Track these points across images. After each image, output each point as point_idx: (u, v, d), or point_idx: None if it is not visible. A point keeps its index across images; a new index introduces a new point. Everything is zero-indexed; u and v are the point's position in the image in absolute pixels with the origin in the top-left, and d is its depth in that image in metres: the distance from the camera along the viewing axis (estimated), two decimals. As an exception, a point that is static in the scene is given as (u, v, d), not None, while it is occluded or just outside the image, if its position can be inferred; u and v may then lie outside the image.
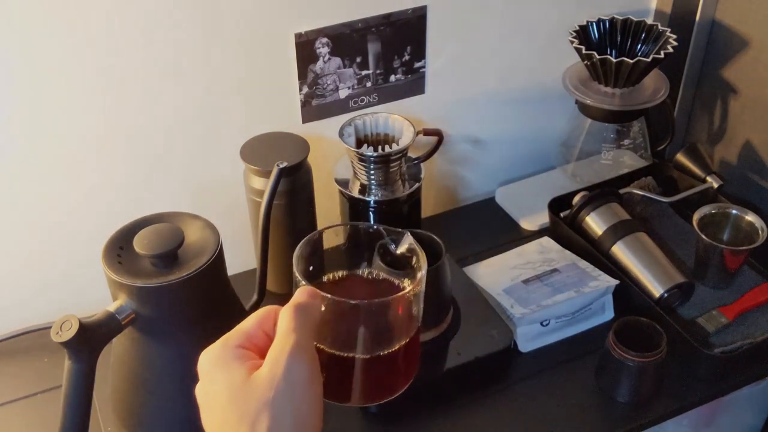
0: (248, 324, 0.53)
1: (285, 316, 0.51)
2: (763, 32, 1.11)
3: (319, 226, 0.97)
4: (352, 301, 0.55)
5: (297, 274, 0.58)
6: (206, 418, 0.51)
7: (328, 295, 0.54)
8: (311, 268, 0.63)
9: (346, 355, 0.56)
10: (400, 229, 0.64)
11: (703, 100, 1.26)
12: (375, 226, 0.65)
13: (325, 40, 1.01)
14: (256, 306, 0.90)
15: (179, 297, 0.76)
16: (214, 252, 0.77)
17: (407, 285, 0.62)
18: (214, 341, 0.53)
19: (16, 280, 1.01)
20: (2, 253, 0.99)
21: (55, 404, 0.75)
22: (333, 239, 0.64)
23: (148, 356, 0.79)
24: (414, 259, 0.62)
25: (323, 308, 0.55)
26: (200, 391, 0.52)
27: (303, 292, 0.54)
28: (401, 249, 0.63)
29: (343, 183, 1.02)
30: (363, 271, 0.66)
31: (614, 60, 1.07)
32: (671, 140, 1.22)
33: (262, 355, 0.51)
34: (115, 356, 0.82)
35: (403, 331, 0.59)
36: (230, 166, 1.00)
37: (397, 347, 0.58)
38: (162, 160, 1.01)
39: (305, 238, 0.62)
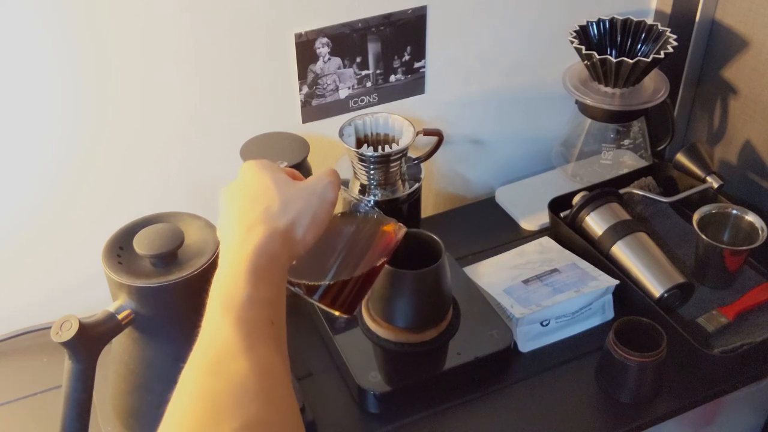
0: (286, 169, 0.70)
1: (325, 168, 0.69)
2: (763, 32, 1.11)
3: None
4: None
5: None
6: (240, 207, 0.64)
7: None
8: None
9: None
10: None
11: (703, 100, 1.26)
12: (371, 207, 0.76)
13: (325, 40, 1.01)
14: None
15: (179, 297, 0.76)
16: (214, 252, 0.77)
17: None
18: None
19: (16, 280, 1.01)
20: (2, 253, 0.99)
21: (55, 404, 0.75)
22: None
23: (148, 356, 0.79)
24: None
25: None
26: (238, 187, 0.66)
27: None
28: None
29: (343, 183, 1.02)
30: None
31: (614, 60, 1.07)
32: (671, 140, 1.22)
33: None
34: (115, 356, 0.82)
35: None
36: (230, 166, 1.00)
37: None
38: (162, 160, 1.01)
39: None
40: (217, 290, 0.58)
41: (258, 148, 0.96)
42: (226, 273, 0.59)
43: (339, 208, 0.71)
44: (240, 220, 0.63)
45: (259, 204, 0.64)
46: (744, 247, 1.01)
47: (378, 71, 1.08)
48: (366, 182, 1.00)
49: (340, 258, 0.72)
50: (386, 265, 0.86)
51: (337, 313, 0.72)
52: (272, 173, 0.66)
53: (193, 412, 0.49)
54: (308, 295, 0.71)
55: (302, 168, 0.96)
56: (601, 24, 1.15)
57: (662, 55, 1.07)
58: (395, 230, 0.75)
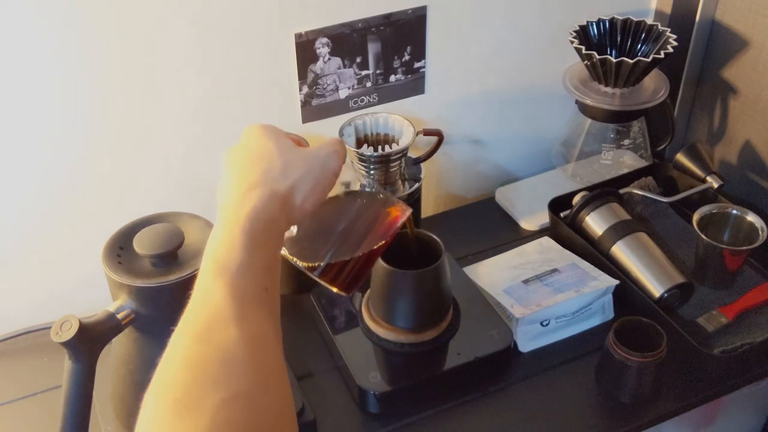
0: (291, 135, 0.68)
1: (331, 137, 0.69)
2: (763, 32, 1.11)
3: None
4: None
5: None
6: (240, 168, 0.62)
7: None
8: None
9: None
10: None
11: (703, 100, 1.26)
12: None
13: (325, 40, 1.01)
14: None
15: (179, 297, 0.75)
16: (214, 252, 0.77)
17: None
18: None
19: (16, 280, 1.01)
20: (2, 253, 0.99)
21: (55, 404, 0.75)
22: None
23: (148, 356, 0.79)
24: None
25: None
26: (239, 148, 0.64)
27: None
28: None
29: (345, 184, 1.02)
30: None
31: (614, 60, 1.07)
32: (671, 140, 1.22)
33: None
34: (115, 356, 0.82)
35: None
36: (230, 166, 1.00)
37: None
38: (162, 160, 1.01)
39: None
40: (211, 253, 0.56)
41: (258, 148, 0.96)
42: (221, 235, 0.57)
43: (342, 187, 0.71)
44: (238, 181, 0.61)
45: (259, 166, 0.62)
46: (744, 247, 1.01)
47: (378, 71, 1.08)
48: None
49: (342, 237, 0.71)
50: (387, 266, 0.86)
51: (335, 290, 0.71)
52: (276, 137, 0.65)
53: (181, 380, 0.47)
54: (308, 270, 0.70)
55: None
56: (601, 24, 1.15)
57: (662, 55, 1.07)
58: (401, 211, 0.74)
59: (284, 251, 0.70)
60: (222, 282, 0.53)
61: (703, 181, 1.13)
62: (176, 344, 0.50)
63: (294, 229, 0.71)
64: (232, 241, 0.55)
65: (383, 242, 0.72)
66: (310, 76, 1.04)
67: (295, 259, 0.69)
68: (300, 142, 0.68)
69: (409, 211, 0.74)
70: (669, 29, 1.12)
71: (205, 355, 0.49)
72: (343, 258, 0.70)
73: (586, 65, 1.13)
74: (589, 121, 1.19)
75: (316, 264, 0.69)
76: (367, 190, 0.75)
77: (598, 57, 1.07)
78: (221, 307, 0.51)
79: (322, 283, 0.71)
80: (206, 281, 0.54)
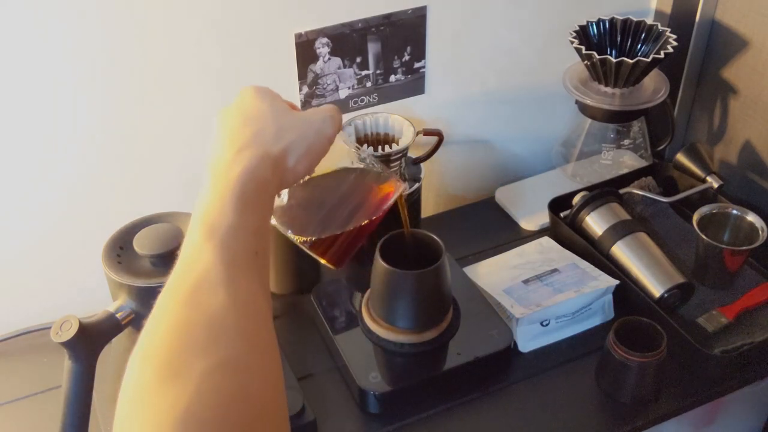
0: (287, 100, 0.67)
1: (328, 104, 0.69)
2: (763, 32, 1.11)
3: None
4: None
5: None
6: (231, 128, 0.61)
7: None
8: None
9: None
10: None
11: (703, 100, 1.26)
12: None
13: (325, 40, 1.01)
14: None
15: (179, 297, 0.75)
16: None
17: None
18: None
19: (17, 280, 1.01)
20: (2, 253, 0.99)
21: (55, 404, 0.75)
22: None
23: (148, 356, 0.79)
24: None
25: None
26: (232, 109, 0.63)
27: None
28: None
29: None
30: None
31: (614, 60, 1.07)
32: (671, 140, 1.22)
33: None
34: (115, 356, 0.82)
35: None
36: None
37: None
38: (162, 160, 1.01)
39: None
40: (200, 215, 0.54)
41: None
42: (211, 196, 0.55)
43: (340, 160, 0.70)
44: (230, 142, 0.60)
45: (252, 127, 0.61)
46: (744, 247, 1.01)
47: (378, 71, 1.08)
48: (366, 182, 1.00)
49: (333, 211, 0.70)
50: (387, 266, 0.86)
51: (323, 261, 0.71)
52: (270, 99, 0.64)
53: (167, 345, 0.46)
54: (298, 241, 0.69)
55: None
56: (601, 24, 1.15)
57: (662, 55, 1.07)
58: (395, 187, 0.73)
59: (274, 221, 0.69)
60: (211, 244, 0.51)
61: (703, 181, 1.13)
62: (163, 307, 0.49)
63: (285, 197, 0.70)
64: (223, 203, 0.54)
65: (374, 218, 0.71)
66: (310, 76, 1.04)
67: (284, 228, 0.68)
68: (296, 107, 0.67)
69: (402, 187, 0.73)
70: (669, 29, 1.11)
71: (193, 319, 0.47)
72: (333, 232, 0.69)
73: (586, 65, 1.13)
74: (589, 121, 1.19)
75: (306, 238, 0.68)
76: (366, 163, 0.74)
77: (598, 57, 1.07)
78: (210, 270, 0.50)
79: (312, 254, 0.70)
80: (194, 243, 0.52)
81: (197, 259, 0.51)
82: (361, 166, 0.74)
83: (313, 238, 0.69)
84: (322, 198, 0.71)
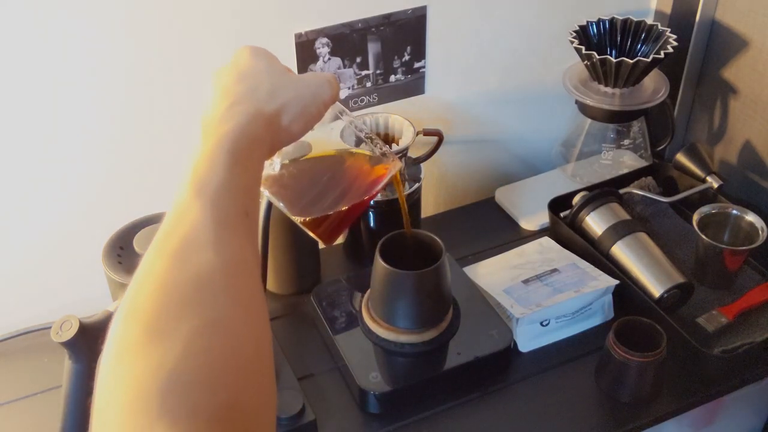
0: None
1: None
2: (763, 32, 1.11)
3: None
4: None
5: None
6: (224, 85, 0.60)
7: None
8: None
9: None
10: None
11: (703, 100, 1.26)
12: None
13: (325, 40, 1.01)
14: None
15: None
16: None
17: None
18: None
19: (17, 280, 1.01)
20: (2, 253, 0.99)
21: (55, 404, 0.75)
22: None
23: (148, 356, 0.79)
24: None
25: None
26: (227, 67, 0.62)
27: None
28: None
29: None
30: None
31: (614, 60, 1.07)
32: (671, 140, 1.22)
33: None
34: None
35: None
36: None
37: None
38: (162, 160, 1.01)
39: None
40: (190, 171, 0.52)
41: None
42: (201, 152, 0.53)
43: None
44: (222, 98, 0.58)
45: (245, 83, 0.59)
46: (744, 247, 1.01)
47: (378, 71, 1.08)
48: (366, 182, 1.00)
49: (327, 189, 0.70)
50: (387, 266, 0.86)
51: (314, 236, 0.70)
52: (267, 59, 0.62)
53: (154, 304, 0.45)
54: (288, 213, 0.69)
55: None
56: (601, 24, 1.15)
57: (662, 55, 1.07)
58: (388, 168, 0.71)
59: (266, 191, 0.68)
60: (200, 202, 0.50)
61: (703, 181, 1.13)
62: (149, 265, 0.47)
63: (277, 166, 0.69)
64: (213, 158, 0.53)
65: (366, 198, 0.70)
66: (310, 76, 1.04)
67: (276, 200, 0.68)
68: (292, 72, 0.65)
69: (396, 167, 0.71)
70: (669, 29, 1.12)
71: (180, 278, 0.46)
72: (324, 212, 0.68)
73: (586, 65, 1.13)
74: (589, 121, 1.19)
75: (297, 218, 0.68)
76: (360, 136, 0.72)
77: (598, 57, 1.07)
78: (199, 229, 0.48)
79: (304, 228, 0.70)
80: (183, 201, 0.51)
81: (186, 217, 0.49)
82: (361, 148, 0.73)
83: (306, 219, 0.68)
84: (316, 174, 0.71)
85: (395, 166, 0.71)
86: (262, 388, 0.45)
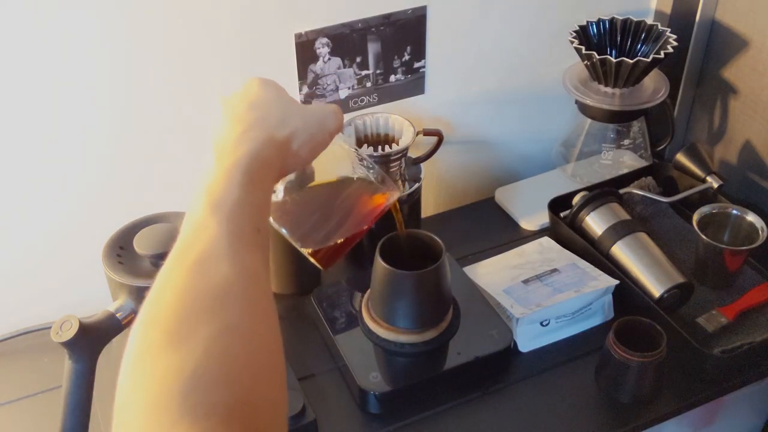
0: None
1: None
2: (763, 32, 1.11)
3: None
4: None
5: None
6: (236, 112, 0.63)
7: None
8: None
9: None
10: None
11: (703, 100, 1.26)
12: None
13: (325, 40, 1.01)
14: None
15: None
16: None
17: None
18: None
19: (17, 280, 1.01)
20: (2, 253, 0.99)
21: (55, 404, 0.75)
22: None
23: (148, 356, 0.79)
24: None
25: None
26: (238, 95, 0.65)
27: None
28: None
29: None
30: None
31: (614, 60, 1.07)
32: (671, 140, 1.22)
33: None
34: (115, 356, 0.82)
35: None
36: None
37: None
38: (162, 160, 1.01)
39: None
40: (206, 189, 0.56)
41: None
42: (217, 172, 0.57)
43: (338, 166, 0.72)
44: (235, 123, 0.62)
45: (256, 111, 0.63)
46: (744, 247, 1.01)
47: (378, 71, 1.08)
48: (366, 182, 1.00)
49: (326, 218, 0.72)
50: (387, 266, 0.86)
51: (313, 261, 0.72)
52: (276, 90, 0.66)
53: (174, 311, 0.47)
54: (290, 238, 0.70)
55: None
56: (601, 24, 1.15)
57: (662, 55, 1.07)
58: (387, 197, 0.73)
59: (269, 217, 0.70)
60: (217, 219, 0.53)
61: (703, 181, 1.13)
62: (167, 276, 0.50)
63: (280, 194, 0.71)
64: (229, 177, 0.56)
65: (365, 227, 0.72)
66: (310, 76, 1.04)
67: (278, 225, 0.70)
68: (298, 102, 0.69)
69: (394, 196, 0.73)
70: (669, 29, 1.12)
71: (199, 287, 0.49)
72: (324, 244, 0.70)
73: (586, 65, 1.13)
74: (589, 121, 1.19)
75: (300, 248, 0.70)
76: (365, 164, 0.74)
77: (598, 57, 1.07)
78: (215, 243, 0.51)
79: (302, 251, 0.71)
80: (200, 216, 0.54)
81: (203, 232, 0.52)
82: (361, 174, 0.74)
83: (310, 251, 0.71)
84: (317, 202, 0.73)
85: (393, 195, 0.73)
86: (275, 387, 0.48)
